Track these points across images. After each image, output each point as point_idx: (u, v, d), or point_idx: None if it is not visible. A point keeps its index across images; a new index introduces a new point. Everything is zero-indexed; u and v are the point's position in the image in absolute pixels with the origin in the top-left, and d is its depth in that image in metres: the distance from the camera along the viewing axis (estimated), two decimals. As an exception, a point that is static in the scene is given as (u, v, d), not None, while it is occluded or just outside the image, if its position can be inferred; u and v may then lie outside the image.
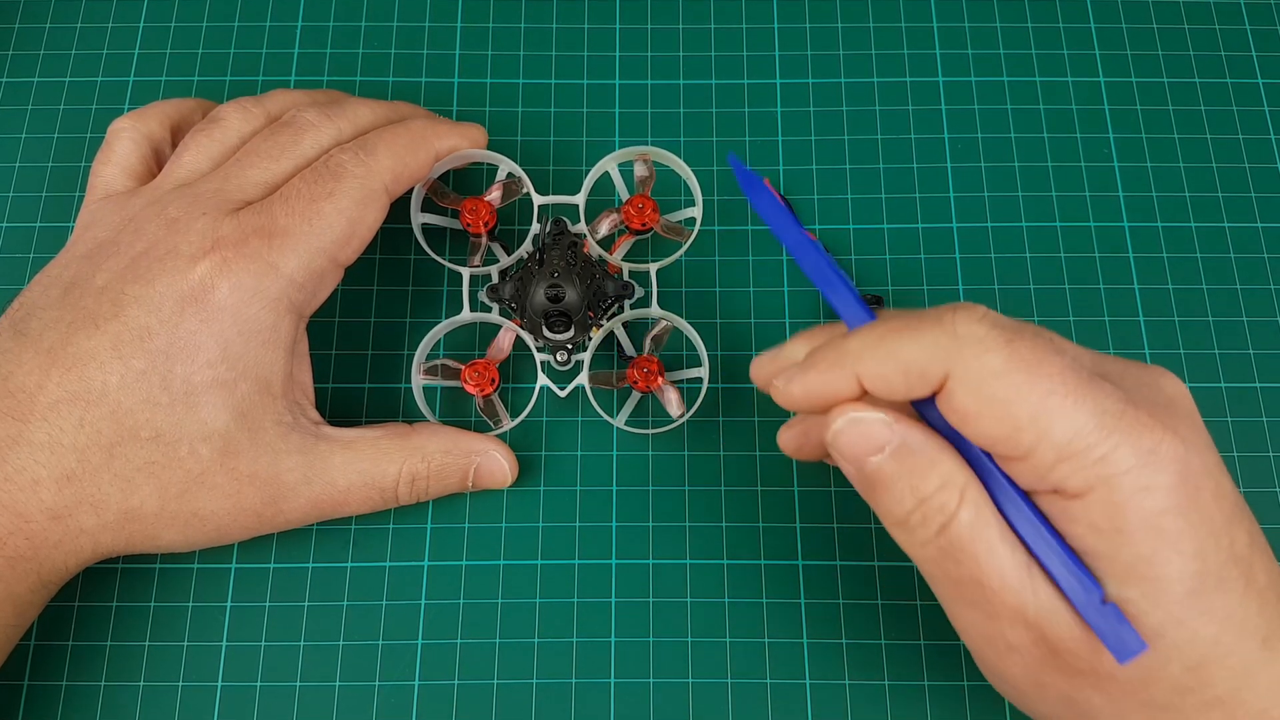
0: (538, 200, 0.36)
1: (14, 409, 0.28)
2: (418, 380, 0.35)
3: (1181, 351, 0.37)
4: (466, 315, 0.36)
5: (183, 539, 0.30)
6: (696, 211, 0.37)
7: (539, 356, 0.35)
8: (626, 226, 0.36)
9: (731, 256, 0.38)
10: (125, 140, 0.34)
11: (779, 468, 0.35)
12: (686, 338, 0.36)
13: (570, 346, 0.34)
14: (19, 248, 0.38)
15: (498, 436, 0.35)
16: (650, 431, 0.35)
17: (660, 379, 0.34)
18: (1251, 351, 0.37)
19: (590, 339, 0.35)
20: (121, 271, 0.29)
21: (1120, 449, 0.23)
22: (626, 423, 0.35)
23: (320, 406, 0.33)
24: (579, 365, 0.35)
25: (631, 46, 0.41)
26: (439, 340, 0.36)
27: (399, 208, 0.36)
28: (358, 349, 0.37)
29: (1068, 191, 0.39)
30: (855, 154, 0.39)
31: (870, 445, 0.25)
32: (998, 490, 0.25)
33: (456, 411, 0.36)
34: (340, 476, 0.31)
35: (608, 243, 0.37)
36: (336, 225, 0.31)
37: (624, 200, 0.37)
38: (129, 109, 0.40)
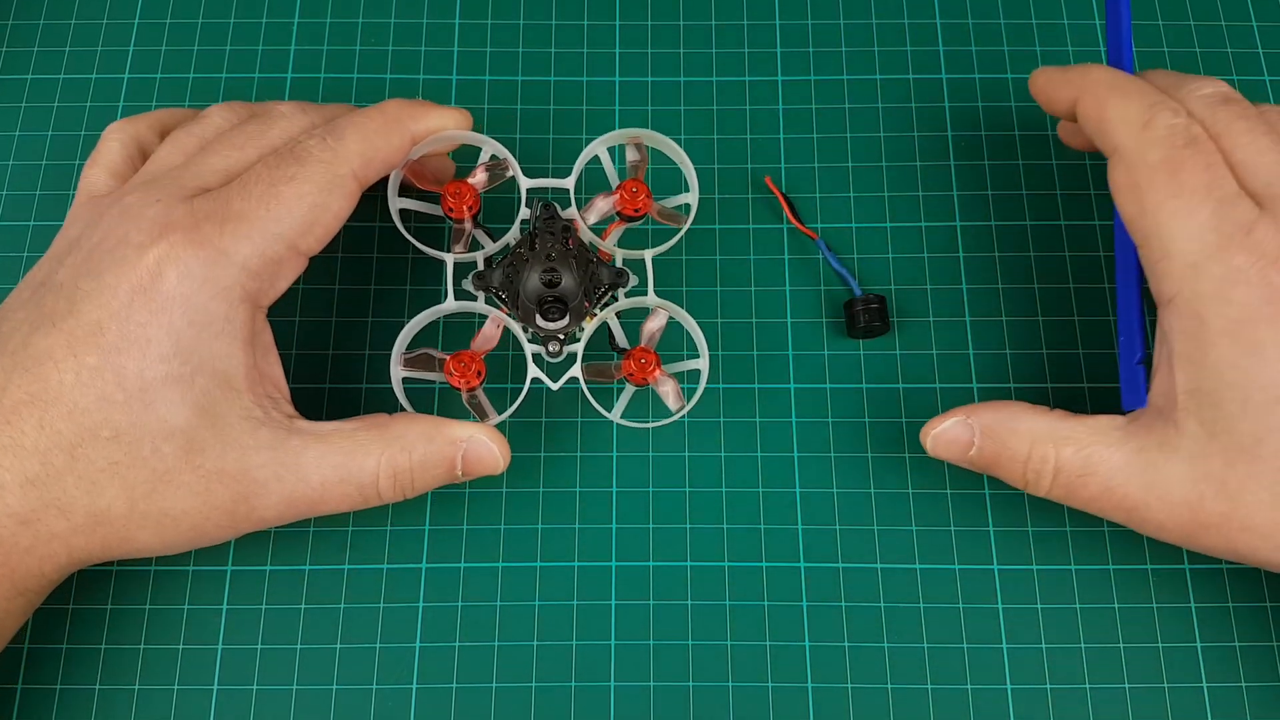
0: (525, 184, 0.34)
1: None
2: (397, 373, 0.33)
3: (1187, 351, 0.36)
4: (451, 304, 0.33)
5: (159, 541, 0.29)
6: (692, 197, 0.34)
7: (529, 348, 0.33)
8: (618, 213, 0.34)
9: (732, 256, 0.38)
10: (113, 143, 0.33)
11: (781, 469, 0.35)
12: (686, 331, 0.35)
13: (563, 337, 0.33)
14: (13, 246, 0.38)
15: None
16: (650, 425, 0.34)
17: (657, 371, 0.33)
18: (1258, 351, 0.36)
19: (583, 329, 0.33)
20: (77, 267, 0.29)
21: (1211, 261, 0.27)
22: (624, 417, 0.34)
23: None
24: (571, 358, 0.33)
25: (631, 44, 0.41)
26: (418, 334, 0.34)
27: (371, 197, 0.35)
28: (319, 349, 0.36)
29: (1072, 190, 0.38)
30: (858, 152, 0.39)
31: (961, 445, 0.30)
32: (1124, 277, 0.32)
33: (442, 412, 0.35)
34: (314, 472, 0.29)
35: (599, 230, 0.35)
36: (296, 211, 0.29)
37: (615, 186, 0.35)
38: (123, 106, 0.40)
